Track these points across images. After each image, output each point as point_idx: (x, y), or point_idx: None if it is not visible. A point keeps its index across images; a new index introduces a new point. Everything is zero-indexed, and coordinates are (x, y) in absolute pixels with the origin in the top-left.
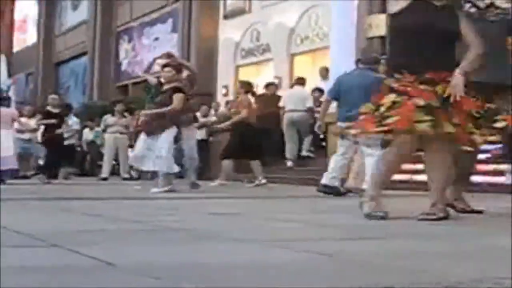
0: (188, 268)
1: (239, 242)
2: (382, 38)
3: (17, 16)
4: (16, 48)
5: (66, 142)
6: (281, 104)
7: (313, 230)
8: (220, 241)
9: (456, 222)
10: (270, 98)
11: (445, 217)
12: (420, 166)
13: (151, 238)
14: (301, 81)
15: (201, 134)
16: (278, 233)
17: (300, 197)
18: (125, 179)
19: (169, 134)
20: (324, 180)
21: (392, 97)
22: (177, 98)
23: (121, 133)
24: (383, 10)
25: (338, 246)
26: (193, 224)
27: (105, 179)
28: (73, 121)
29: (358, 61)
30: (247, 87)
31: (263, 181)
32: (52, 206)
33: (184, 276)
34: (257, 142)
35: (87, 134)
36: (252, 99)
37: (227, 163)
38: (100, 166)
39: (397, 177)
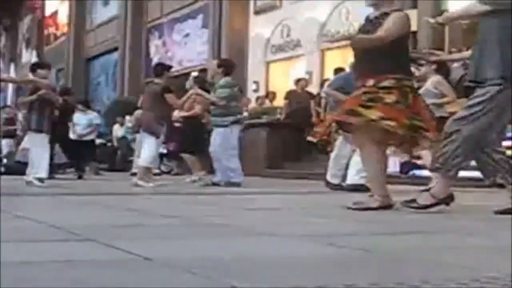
0: (226, 263)
1: (277, 237)
2: (413, 33)
3: (48, 12)
4: (47, 44)
5: (85, 138)
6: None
7: (350, 225)
8: (259, 236)
9: (492, 218)
10: (301, 94)
11: None
12: None
13: (188, 233)
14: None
15: None
16: (316, 228)
17: (332, 193)
18: (155, 174)
19: None
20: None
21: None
22: None
23: None
24: (414, 6)
25: (376, 241)
26: (230, 219)
27: (135, 174)
28: (93, 116)
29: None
30: (201, 82)
31: (197, 178)
32: (85, 201)
33: (222, 271)
34: (203, 138)
35: (118, 130)
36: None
37: (187, 157)
38: (131, 162)
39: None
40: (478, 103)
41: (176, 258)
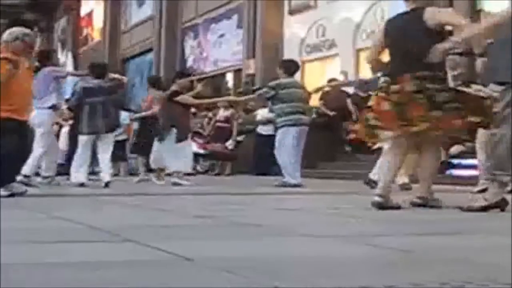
0: (266, 263)
1: (313, 238)
2: (449, 33)
3: (83, 13)
4: (82, 45)
5: (117, 138)
6: None
7: (385, 226)
8: (295, 236)
9: None
10: (336, 94)
11: None
12: None
13: (224, 233)
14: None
15: (267, 130)
16: (352, 228)
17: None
18: (188, 174)
19: None
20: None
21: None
22: None
23: None
24: (450, 5)
25: (414, 241)
26: (265, 219)
27: (169, 174)
28: (124, 116)
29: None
30: (155, 82)
31: (146, 177)
32: (119, 202)
33: (263, 272)
34: (151, 140)
35: None
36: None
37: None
38: None
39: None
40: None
41: (216, 259)
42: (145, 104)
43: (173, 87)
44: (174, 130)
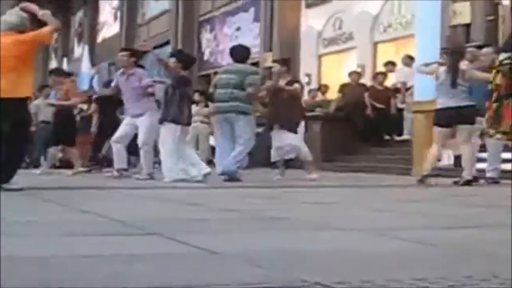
0: (293, 256)
1: (340, 231)
2: (466, 26)
3: (100, 6)
4: (99, 38)
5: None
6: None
7: (412, 219)
8: (321, 230)
9: None
10: (355, 87)
11: None
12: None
13: (250, 227)
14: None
15: None
16: (376, 222)
17: (389, 186)
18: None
19: None
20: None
21: None
22: None
23: (202, 122)
24: None
25: (441, 234)
26: (290, 213)
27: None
28: None
29: (443, 49)
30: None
31: (81, 169)
32: (143, 195)
33: (290, 265)
34: (73, 130)
35: None
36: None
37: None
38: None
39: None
40: None
41: (242, 252)
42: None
43: None
44: None
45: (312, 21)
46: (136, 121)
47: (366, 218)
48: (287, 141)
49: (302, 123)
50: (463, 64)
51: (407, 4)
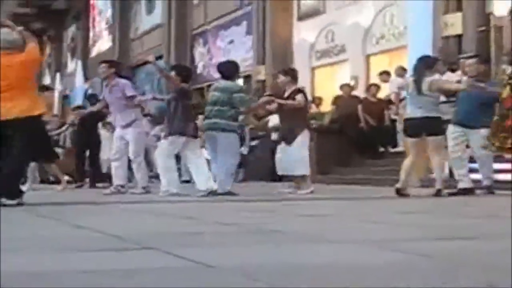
0: (288, 270)
1: (336, 244)
2: (458, 36)
3: (92, 21)
4: (92, 52)
5: None
6: None
7: (407, 231)
8: (318, 243)
9: None
10: (348, 99)
11: None
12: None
13: (245, 240)
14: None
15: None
16: (371, 233)
17: (383, 198)
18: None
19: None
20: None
21: None
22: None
23: None
24: (459, 8)
25: (436, 246)
26: (286, 226)
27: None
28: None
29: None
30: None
31: (67, 185)
32: (138, 209)
33: (285, 279)
34: (48, 145)
35: None
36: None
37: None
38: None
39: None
40: None
41: (238, 266)
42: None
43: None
44: None
45: (304, 33)
46: (124, 132)
47: (361, 230)
48: (288, 155)
49: (307, 134)
50: (435, 76)
51: (399, 16)
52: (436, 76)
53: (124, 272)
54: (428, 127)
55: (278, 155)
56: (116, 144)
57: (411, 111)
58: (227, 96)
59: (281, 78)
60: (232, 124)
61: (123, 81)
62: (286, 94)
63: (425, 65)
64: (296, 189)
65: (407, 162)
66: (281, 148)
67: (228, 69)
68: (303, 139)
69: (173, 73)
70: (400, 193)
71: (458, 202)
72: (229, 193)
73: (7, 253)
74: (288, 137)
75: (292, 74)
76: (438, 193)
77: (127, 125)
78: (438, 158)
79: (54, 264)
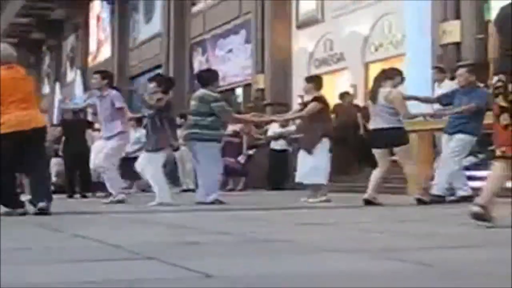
0: (287, 280)
1: (334, 253)
2: (456, 44)
3: (91, 31)
4: (91, 62)
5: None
6: None
7: (406, 240)
8: (316, 252)
9: None
10: (348, 107)
11: None
12: None
13: (244, 250)
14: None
15: (281, 145)
16: (372, 243)
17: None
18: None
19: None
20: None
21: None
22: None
23: (184, 145)
24: (457, 17)
25: (435, 255)
26: (284, 235)
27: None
28: (141, 134)
29: (435, 68)
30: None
31: None
32: (137, 219)
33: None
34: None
35: None
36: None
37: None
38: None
39: None
40: None
41: (236, 275)
42: None
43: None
44: None
45: (303, 42)
46: (106, 144)
47: (360, 239)
48: (306, 163)
49: (327, 143)
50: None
51: (398, 24)
52: (393, 89)
53: (127, 282)
54: (389, 138)
55: (298, 164)
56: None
57: (375, 122)
58: (200, 105)
59: (305, 84)
60: (211, 133)
61: (113, 92)
62: (305, 100)
63: (383, 75)
64: (309, 197)
65: (375, 173)
66: (300, 156)
67: (204, 77)
68: (322, 148)
69: (153, 85)
70: (370, 203)
71: (459, 211)
72: (216, 201)
73: (7, 265)
74: (307, 146)
75: (316, 82)
76: (419, 202)
77: (112, 136)
78: (408, 167)
79: (55, 275)
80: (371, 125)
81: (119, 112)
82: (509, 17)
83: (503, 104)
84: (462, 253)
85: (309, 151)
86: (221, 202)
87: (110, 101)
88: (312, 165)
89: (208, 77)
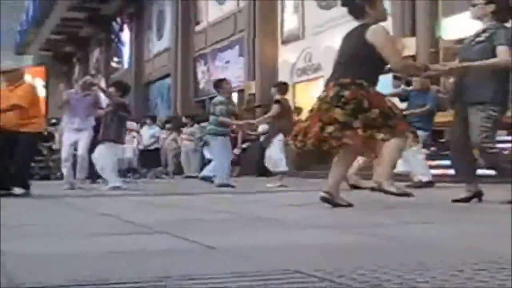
0: (275, 250)
1: (318, 229)
2: (412, 57)
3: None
4: (113, 72)
5: (151, 147)
6: None
7: (375, 216)
8: (303, 227)
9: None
10: None
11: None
12: None
13: (242, 226)
14: None
15: None
16: (346, 220)
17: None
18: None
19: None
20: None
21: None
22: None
23: (187, 140)
24: (413, 33)
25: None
26: (274, 213)
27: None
28: (156, 130)
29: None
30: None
31: None
32: (152, 201)
33: (273, 257)
34: None
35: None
36: None
37: None
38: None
39: None
40: None
41: (235, 246)
42: None
43: None
44: None
45: (287, 55)
46: (78, 136)
47: (338, 216)
48: (269, 154)
49: (281, 137)
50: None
51: None
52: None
53: (139, 253)
54: None
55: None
56: (68, 150)
57: None
58: (213, 107)
59: (272, 90)
60: (220, 130)
61: (101, 94)
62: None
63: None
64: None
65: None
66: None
67: (214, 85)
68: (277, 142)
69: (112, 89)
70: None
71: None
72: (227, 185)
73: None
74: (265, 140)
75: (280, 87)
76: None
77: (84, 129)
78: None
79: (81, 246)
80: None
81: (96, 110)
82: None
83: None
84: (422, 228)
85: (267, 144)
86: (227, 186)
87: (95, 99)
88: (272, 156)
89: (216, 85)
